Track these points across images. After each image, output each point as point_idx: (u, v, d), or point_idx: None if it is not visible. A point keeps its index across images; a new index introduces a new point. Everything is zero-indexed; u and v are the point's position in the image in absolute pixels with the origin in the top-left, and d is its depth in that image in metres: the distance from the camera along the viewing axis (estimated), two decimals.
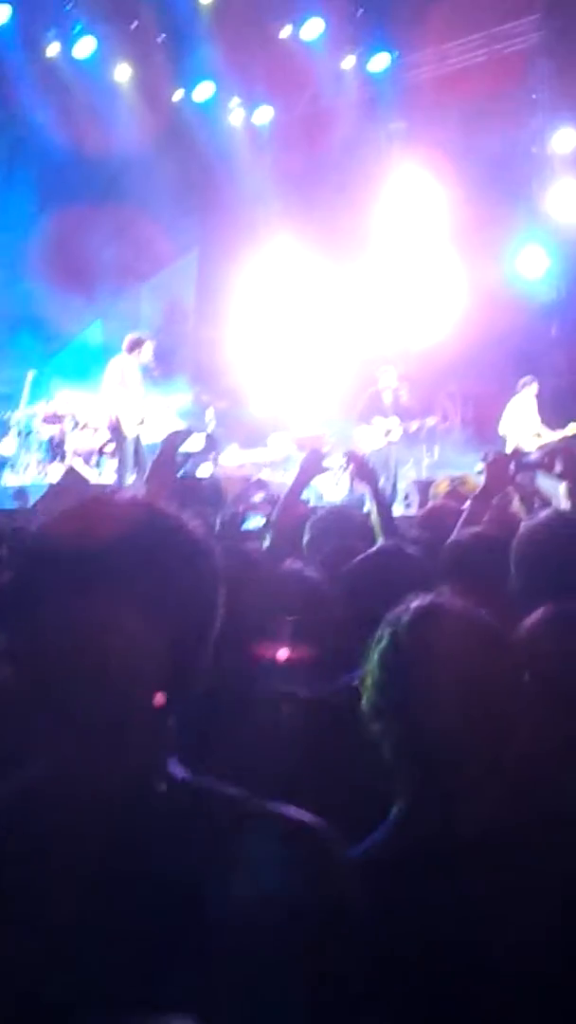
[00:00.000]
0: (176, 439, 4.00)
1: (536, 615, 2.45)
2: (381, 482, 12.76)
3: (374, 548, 3.44)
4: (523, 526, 3.58)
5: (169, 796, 1.36)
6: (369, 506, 4.86)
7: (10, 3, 15.03)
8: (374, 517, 4.61)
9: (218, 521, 6.05)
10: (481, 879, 1.80)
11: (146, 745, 1.38)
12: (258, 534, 5.42)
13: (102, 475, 13.57)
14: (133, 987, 1.24)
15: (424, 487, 12.72)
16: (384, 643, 1.98)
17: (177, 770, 1.40)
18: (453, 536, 3.69)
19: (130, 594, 1.33)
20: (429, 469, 14.93)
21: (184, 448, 4.08)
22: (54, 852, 1.29)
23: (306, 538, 4.82)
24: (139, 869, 1.28)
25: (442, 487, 11.94)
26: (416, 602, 2.02)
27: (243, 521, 5.58)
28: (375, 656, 1.98)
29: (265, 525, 5.36)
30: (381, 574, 3.16)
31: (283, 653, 1.35)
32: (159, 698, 1.37)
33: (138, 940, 1.25)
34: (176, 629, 1.37)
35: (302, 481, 4.82)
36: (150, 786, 1.36)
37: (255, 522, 5.58)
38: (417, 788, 1.90)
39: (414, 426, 13.78)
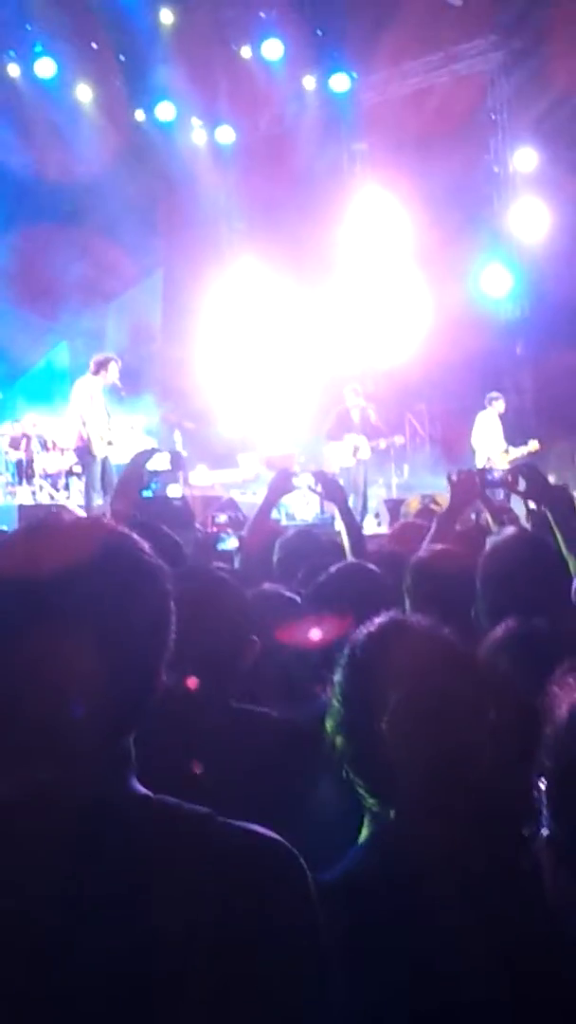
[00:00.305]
0: (142, 458, 4.01)
1: (497, 632, 2.46)
2: (351, 501, 12.86)
3: (335, 567, 3.45)
4: (488, 543, 3.60)
5: (130, 814, 1.35)
6: (338, 525, 4.88)
7: None
8: (343, 536, 4.63)
9: (192, 542, 6.06)
10: (453, 898, 1.78)
11: (100, 768, 1.37)
12: (233, 554, 5.43)
13: (70, 497, 13.52)
14: (99, 1009, 1.24)
15: (394, 505, 12.78)
16: (344, 660, 1.98)
17: (138, 788, 1.39)
18: (417, 553, 3.70)
19: (77, 619, 1.32)
20: (399, 488, 15.00)
21: (151, 466, 4.08)
22: (16, 875, 1.29)
23: (276, 558, 4.83)
24: (101, 885, 1.28)
25: (413, 505, 12.00)
26: (377, 619, 2.02)
27: (217, 542, 5.59)
28: (337, 673, 1.98)
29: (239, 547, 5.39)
30: (344, 593, 3.16)
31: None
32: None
33: (101, 960, 1.24)
34: (124, 652, 1.36)
35: (271, 501, 4.84)
36: (109, 806, 1.35)
37: (231, 543, 5.59)
38: (383, 809, 1.89)
39: (382, 444, 13.82)
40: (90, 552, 1.38)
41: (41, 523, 1.45)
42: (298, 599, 3.29)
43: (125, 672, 1.36)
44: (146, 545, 1.45)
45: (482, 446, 13.79)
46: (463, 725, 1.88)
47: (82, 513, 10.46)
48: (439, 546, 4.16)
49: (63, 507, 11.39)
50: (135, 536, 1.45)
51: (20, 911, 1.27)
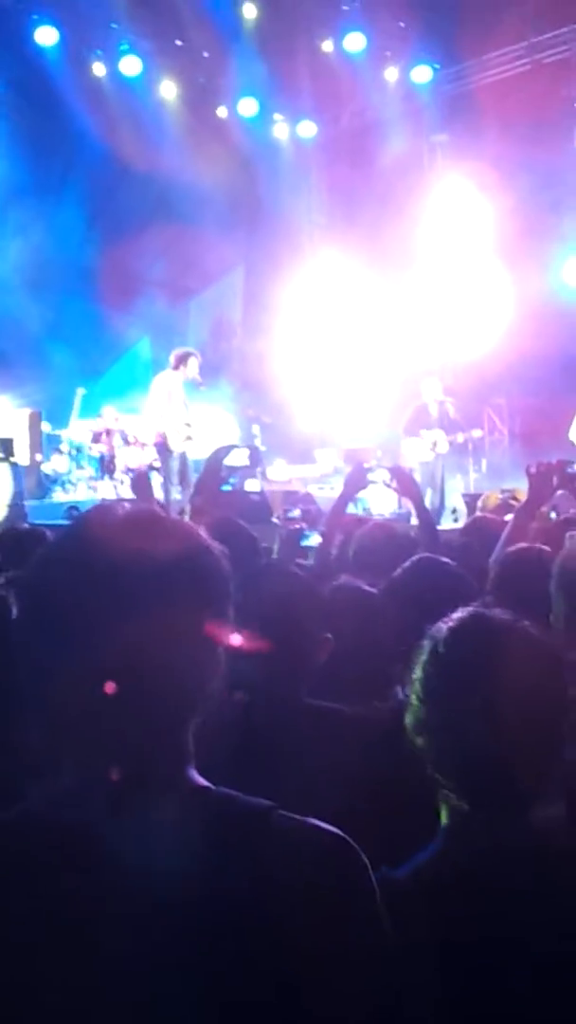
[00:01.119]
0: (221, 453, 4.03)
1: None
2: (428, 496, 12.79)
3: (410, 561, 3.42)
4: (566, 545, 3.55)
5: (190, 804, 1.35)
6: (414, 519, 4.86)
7: (56, 25, 15.25)
8: (418, 530, 4.61)
9: (270, 536, 6.07)
10: (533, 897, 1.77)
11: (175, 751, 1.38)
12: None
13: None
14: (152, 1002, 1.25)
15: (471, 500, 12.66)
16: (425, 656, 1.95)
17: (197, 778, 1.39)
18: (496, 553, 3.66)
19: (166, 607, 1.33)
20: (477, 483, 14.87)
21: (229, 462, 4.11)
22: (77, 862, 1.30)
23: (352, 551, 4.83)
24: (162, 878, 1.28)
25: (491, 500, 11.86)
26: (458, 613, 2.00)
27: (301, 538, 5.60)
28: (417, 670, 1.96)
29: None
30: (419, 586, 3.14)
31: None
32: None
33: (159, 948, 1.25)
34: (195, 648, 1.37)
35: (346, 496, 4.84)
36: (177, 792, 1.35)
37: (314, 539, 5.60)
38: (463, 805, 1.87)
39: (460, 438, 13.71)
40: (156, 541, 1.38)
41: (102, 514, 1.45)
42: (370, 591, 3.28)
43: (185, 663, 1.37)
44: (209, 539, 1.45)
45: None
46: (548, 719, 1.87)
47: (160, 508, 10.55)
48: (520, 545, 4.11)
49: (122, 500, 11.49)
50: (200, 530, 1.45)
51: (80, 898, 1.28)
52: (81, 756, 1.35)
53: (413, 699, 1.94)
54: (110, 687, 1.28)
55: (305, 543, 5.86)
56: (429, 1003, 1.57)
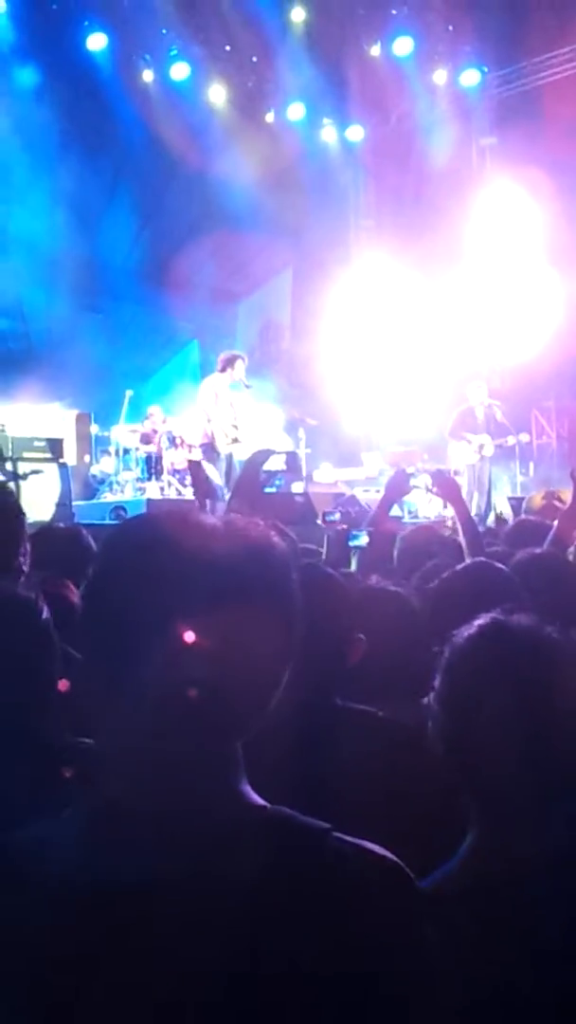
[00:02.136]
0: (259, 458, 4.02)
1: None
2: (475, 499, 12.72)
3: (462, 565, 3.41)
4: None
5: (245, 824, 1.33)
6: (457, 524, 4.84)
7: (107, 31, 15.36)
8: (460, 535, 4.59)
9: (325, 539, 6.09)
10: (561, 910, 1.75)
11: (228, 763, 1.36)
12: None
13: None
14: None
15: (518, 503, 12.59)
16: (443, 665, 1.94)
17: (253, 797, 1.37)
18: (528, 551, 3.64)
19: (232, 611, 1.30)
20: (524, 486, 14.77)
21: (267, 467, 4.11)
22: (127, 872, 1.28)
23: (395, 554, 4.83)
24: (216, 895, 1.26)
25: (537, 500, 11.77)
26: (478, 620, 1.97)
27: (350, 538, 5.61)
28: (436, 679, 1.95)
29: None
30: (469, 591, 3.12)
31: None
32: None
33: (211, 962, 1.23)
34: (267, 658, 1.35)
35: (388, 500, 4.84)
36: (228, 810, 1.33)
37: (363, 539, 5.61)
38: (486, 816, 1.86)
39: (510, 441, 13.64)
40: (244, 552, 1.36)
41: (163, 518, 1.42)
42: (402, 592, 3.26)
43: (266, 675, 1.36)
44: (276, 542, 1.41)
45: None
46: (565, 730, 1.85)
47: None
48: (558, 547, 4.09)
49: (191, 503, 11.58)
50: (269, 534, 1.41)
51: (128, 911, 1.26)
52: (131, 766, 1.33)
53: (434, 706, 1.93)
54: (190, 692, 1.26)
55: (354, 543, 5.86)
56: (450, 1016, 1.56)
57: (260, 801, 1.37)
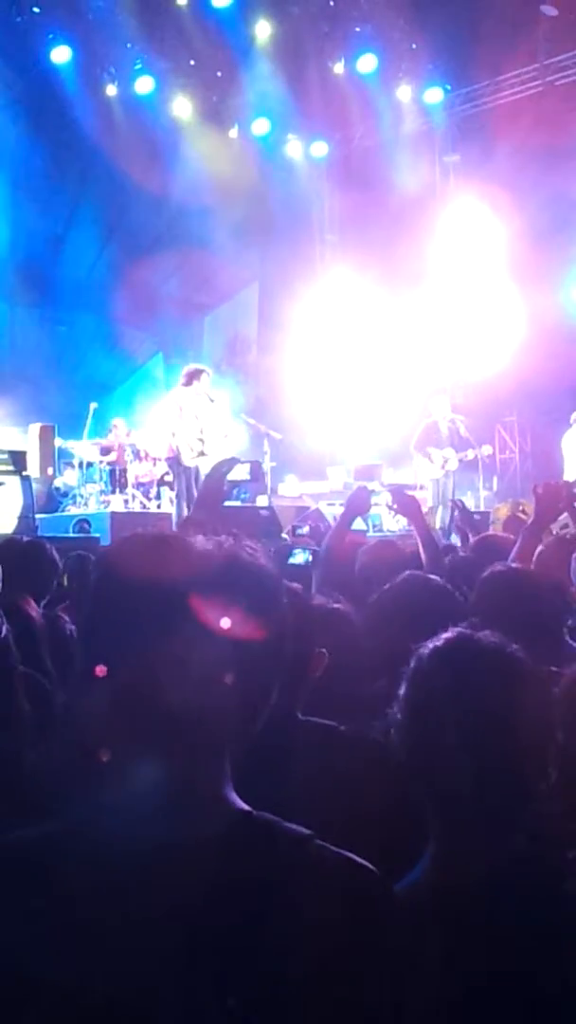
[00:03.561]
0: (222, 468, 4.01)
1: None
2: (439, 513, 12.78)
3: (398, 579, 3.42)
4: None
5: (232, 827, 1.35)
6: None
7: (70, 44, 15.34)
8: (421, 550, 4.61)
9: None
10: (521, 918, 1.76)
11: (218, 775, 1.38)
12: (304, 569, 5.45)
13: (160, 506, 13.69)
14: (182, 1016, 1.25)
15: (483, 517, 12.65)
16: (409, 674, 1.95)
17: (238, 802, 1.39)
18: (491, 568, 3.65)
19: (220, 634, 1.33)
20: (488, 500, 14.86)
21: (231, 477, 4.09)
22: (113, 884, 1.29)
23: (357, 568, 4.84)
24: (204, 896, 1.28)
25: (502, 512, 11.86)
26: (446, 634, 1.99)
27: (289, 555, 5.60)
28: (403, 687, 1.95)
29: (313, 561, 5.39)
30: (406, 603, 3.14)
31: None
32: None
33: (192, 969, 1.25)
34: (255, 672, 1.37)
35: (348, 517, 4.85)
36: (218, 815, 1.36)
37: (300, 557, 5.60)
38: (446, 827, 1.87)
39: (471, 455, 13.73)
40: (231, 569, 1.38)
41: (162, 534, 1.44)
42: (340, 608, 3.28)
43: (256, 689, 1.38)
44: (262, 564, 1.44)
45: (571, 460, 13.61)
46: (531, 745, 1.86)
47: (174, 523, 10.60)
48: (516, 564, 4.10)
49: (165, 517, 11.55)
50: (257, 555, 1.44)
51: (111, 920, 1.28)
52: (119, 775, 1.35)
53: (398, 715, 1.95)
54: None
55: (292, 560, 5.87)
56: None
57: (245, 806, 1.39)
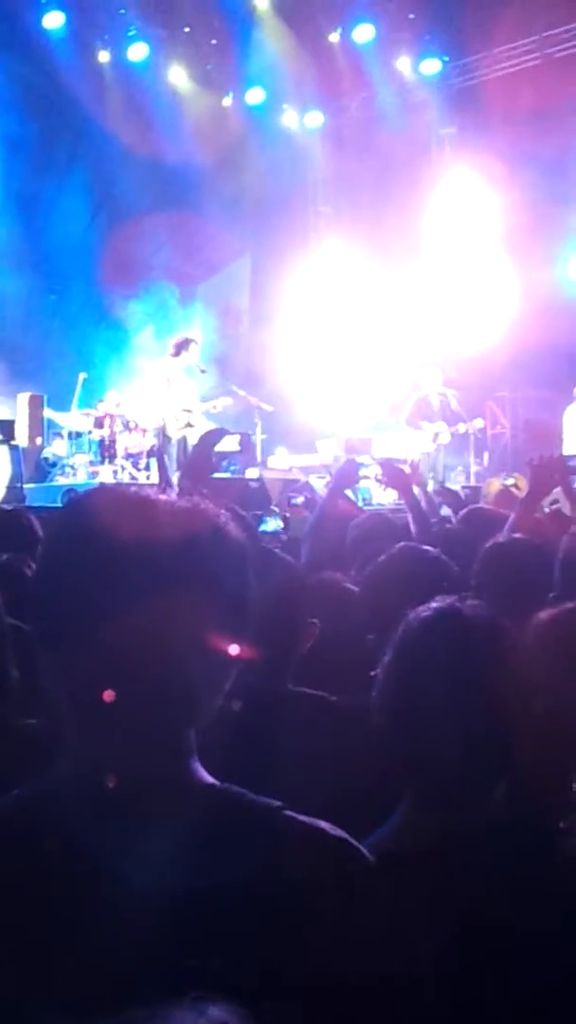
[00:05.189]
0: (211, 438, 3.97)
1: (547, 614, 2.41)
2: (430, 487, 12.77)
3: (391, 551, 3.41)
4: (571, 533, 3.54)
5: (199, 800, 1.34)
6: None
7: (63, 10, 15.19)
8: (411, 522, 4.60)
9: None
10: (493, 882, 1.77)
11: (180, 747, 1.36)
12: (274, 536, 5.44)
13: (150, 477, 13.65)
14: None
15: (472, 493, 12.65)
16: (394, 642, 1.97)
17: (205, 775, 1.37)
18: (494, 539, 3.65)
19: (182, 597, 1.30)
20: (478, 475, 14.86)
21: (219, 448, 4.06)
22: (80, 853, 1.27)
23: (348, 541, 4.83)
24: (167, 872, 1.26)
25: (493, 487, 11.85)
26: (434, 603, 2.00)
27: (260, 523, 5.59)
28: (387, 651, 1.97)
29: (283, 530, 5.39)
30: (399, 574, 3.13)
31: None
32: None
33: (161, 943, 1.23)
34: (221, 635, 1.34)
35: (336, 490, 4.83)
36: (181, 789, 1.33)
37: (271, 524, 5.59)
38: (425, 788, 1.88)
39: (462, 429, 13.71)
40: (194, 530, 1.35)
41: (102, 496, 1.41)
42: (335, 578, 3.28)
43: (221, 652, 1.35)
44: (241, 530, 1.41)
45: (570, 435, 13.59)
46: (513, 713, 1.87)
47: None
48: (517, 534, 4.10)
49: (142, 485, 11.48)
50: (228, 518, 1.41)
51: (73, 889, 1.26)
52: (79, 748, 1.33)
53: (384, 681, 1.94)
54: (107, 684, 1.25)
55: (262, 528, 5.85)
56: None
57: (211, 780, 1.37)
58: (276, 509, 9.79)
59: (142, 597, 1.27)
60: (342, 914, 1.31)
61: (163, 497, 1.40)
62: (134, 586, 1.28)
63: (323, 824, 1.37)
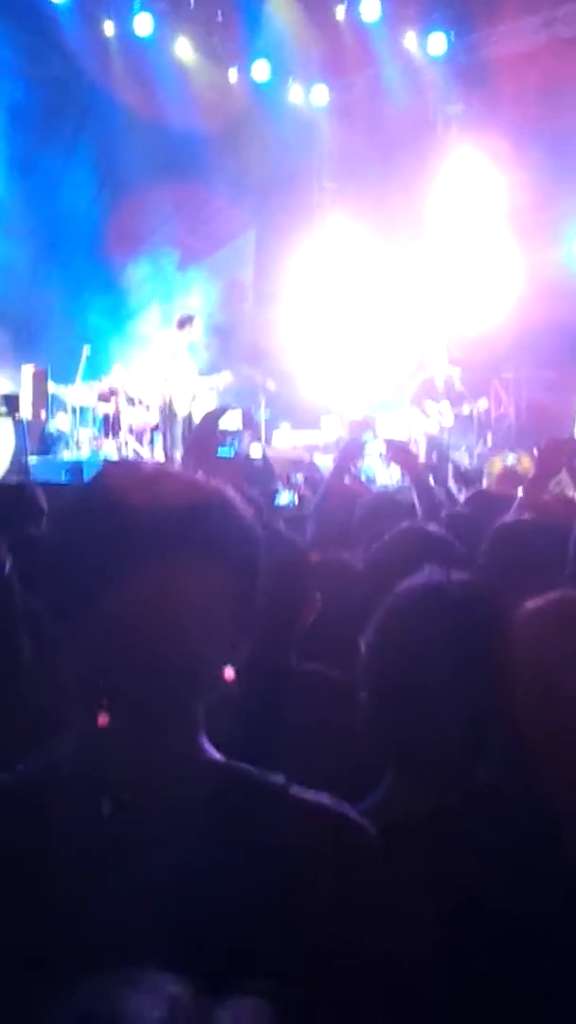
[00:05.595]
0: (213, 416, 3.98)
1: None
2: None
3: (399, 528, 3.42)
4: None
5: (205, 777, 1.35)
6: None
7: None
8: (415, 500, 4.60)
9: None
10: (491, 849, 1.78)
11: (186, 722, 1.37)
12: (289, 511, 5.43)
13: (154, 453, 13.65)
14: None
15: (475, 474, 12.63)
16: (376, 617, 1.96)
17: (212, 751, 1.39)
18: (503, 519, 3.65)
19: (190, 567, 1.31)
20: (480, 457, 14.84)
21: (223, 426, 4.07)
22: (82, 827, 1.29)
23: (356, 519, 4.83)
24: (171, 848, 1.28)
25: (496, 466, 11.84)
26: (417, 579, 1.99)
27: (275, 496, 5.59)
28: (374, 625, 1.96)
29: (300, 505, 5.38)
30: (404, 553, 3.13)
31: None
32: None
33: (164, 918, 1.25)
34: (228, 609, 1.36)
35: (341, 467, 4.83)
36: (187, 765, 1.35)
37: (284, 497, 5.58)
38: (412, 760, 1.88)
39: (466, 409, 13.68)
40: (202, 503, 1.38)
41: (145, 469, 1.44)
42: (340, 557, 3.29)
43: (228, 627, 1.37)
44: (248, 504, 1.44)
45: None
46: (488, 693, 1.86)
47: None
48: (526, 514, 4.09)
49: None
50: (227, 491, 1.43)
51: (77, 862, 1.27)
52: (85, 723, 1.33)
53: (364, 653, 1.95)
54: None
55: (277, 502, 5.85)
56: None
57: (217, 756, 1.39)
58: (281, 487, 9.80)
59: (151, 566, 1.29)
60: (344, 887, 1.33)
61: (173, 471, 1.42)
62: (143, 555, 1.29)
63: (326, 799, 1.39)
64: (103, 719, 1.28)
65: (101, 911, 1.25)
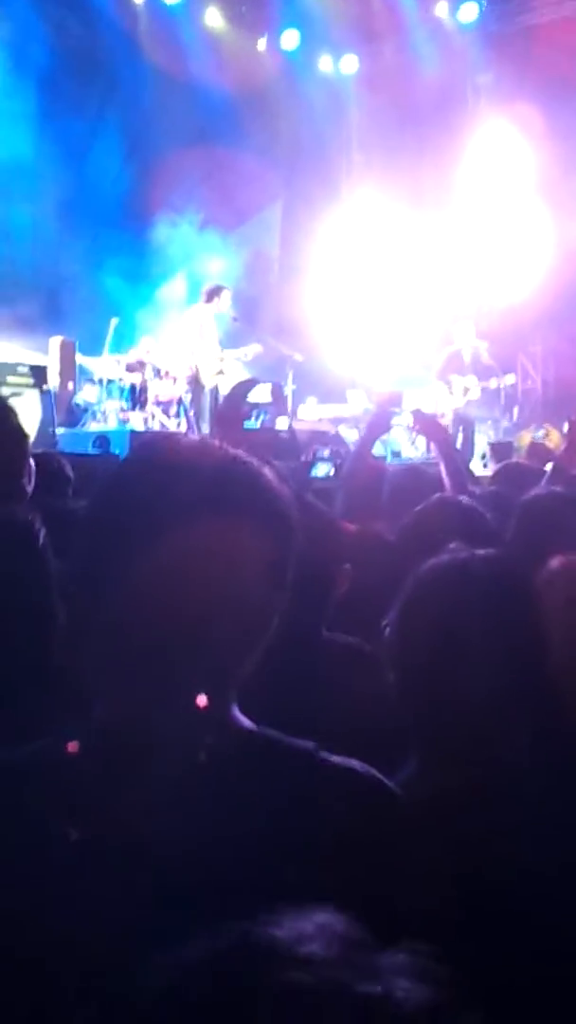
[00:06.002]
0: (242, 388, 3.97)
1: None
2: (459, 441, 12.71)
3: (426, 503, 3.41)
4: None
5: (237, 743, 1.37)
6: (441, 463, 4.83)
7: None
8: (443, 471, 4.58)
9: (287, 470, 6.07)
10: (514, 829, 1.78)
11: (219, 689, 1.38)
12: (325, 482, 5.43)
13: (180, 424, 13.65)
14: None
15: (503, 448, 12.58)
16: (402, 594, 1.96)
17: (244, 719, 1.41)
18: (532, 492, 3.65)
19: (224, 534, 1.33)
20: (507, 431, 14.77)
21: (251, 398, 4.06)
22: (119, 798, 1.30)
23: (385, 493, 4.82)
24: (204, 815, 1.28)
25: (524, 440, 11.79)
26: (443, 555, 1.98)
27: (311, 468, 5.59)
28: (400, 602, 1.96)
29: (334, 476, 5.38)
30: (435, 525, 3.13)
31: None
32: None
33: (198, 885, 1.24)
34: (261, 578, 1.37)
35: (369, 439, 4.82)
36: (221, 731, 1.36)
37: (321, 469, 5.58)
38: (443, 739, 1.88)
39: (493, 384, 13.60)
40: (232, 474, 1.39)
41: (183, 440, 1.47)
42: (374, 528, 3.29)
43: (260, 597, 1.38)
44: (279, 476, 1.46)
45: None
46: (516, 666, 1.86)
47: None
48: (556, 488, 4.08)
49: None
50: (265, 468, 1.45)
51: (117, 832, 1.27)
52: (123, 688, 1.35)
53: (389, 630, 1.95)
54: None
55: (314, 473, 5.84)
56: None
57: (250, 724, 1.40)
58: (304, 459, 9.80)
59: (185, 535, 1.30)
60: (374, 848, 1.35)
61: (208, 440, 1.44)
62: (178, 524, 1.30)
63: (355, 762, 1.41)
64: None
65: (132, 881, 1.25)
